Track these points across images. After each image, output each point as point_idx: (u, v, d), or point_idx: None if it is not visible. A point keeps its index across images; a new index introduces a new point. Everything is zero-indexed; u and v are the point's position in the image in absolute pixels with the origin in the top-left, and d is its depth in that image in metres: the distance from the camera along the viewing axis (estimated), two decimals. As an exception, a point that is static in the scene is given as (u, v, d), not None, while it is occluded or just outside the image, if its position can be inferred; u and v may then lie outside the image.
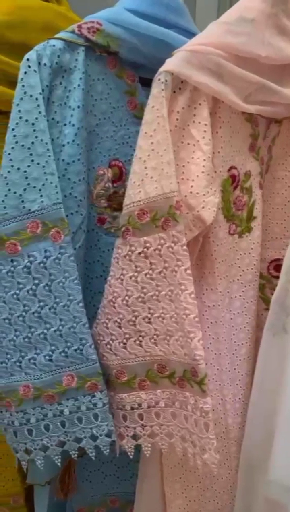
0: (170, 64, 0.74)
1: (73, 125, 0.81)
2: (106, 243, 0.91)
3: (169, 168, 0.74)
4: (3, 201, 0.78)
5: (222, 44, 0.76)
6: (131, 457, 0.84)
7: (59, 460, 0.84)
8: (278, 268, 0.94)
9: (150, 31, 0.83)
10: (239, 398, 0.92)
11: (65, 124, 0.81)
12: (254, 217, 0.89)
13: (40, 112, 0.77)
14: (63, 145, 0.82)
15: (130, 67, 0.88)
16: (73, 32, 0.81)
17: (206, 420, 0.76)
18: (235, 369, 0.91)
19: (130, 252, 0.78)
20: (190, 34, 0.88)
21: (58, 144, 0.81)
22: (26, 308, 0.79)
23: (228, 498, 0.95)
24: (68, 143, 0.82)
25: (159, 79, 0.73)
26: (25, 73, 0.77)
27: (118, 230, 0.79)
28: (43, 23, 0.93)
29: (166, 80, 0.73)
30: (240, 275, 0.89)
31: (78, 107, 0.81)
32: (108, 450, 0.82)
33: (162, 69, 0.74)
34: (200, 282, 0.85)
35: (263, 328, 0.93)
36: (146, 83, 0.89)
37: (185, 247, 0.75)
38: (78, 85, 0.81)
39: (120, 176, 0.90)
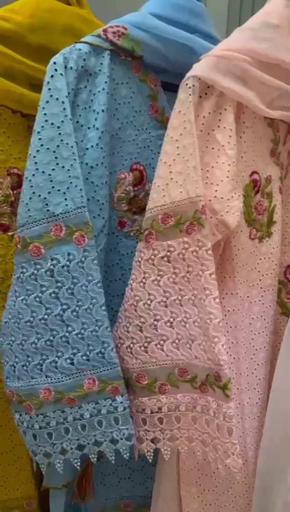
0: (198, 69, 0.74)
1: (97, 128, 0.82)
2: (126, 246, 0.92)
3: (195, 173, 0.74)
4: (27, 204, 0.78)
5: (247, 49, 0.76)
6: (150, 460, 0.84)
7: (79, 463, 0.84)
8: (294, 273, 0.95)
9: (174, 36, 0.84)
10: (256, 403, 0.92)
11: (89, 128, 0.82)
12: (274, 222, 0.89)
13: (66, 116, 0.77)
14: (87, 149, 0.82)
15: (153, 71, 0.88)
16: (99, 36, 0.81)
17: (229, 425, 0.76)
18: (253, 373, 0.91)
19: (153, 256, 0.78)
20: (212, 39, 0.89)
21: (81, 147, 0.81)
22: (48, 311, 0.79)
23: (244, 502, 0.95)
24: (91, 146, 0.82)
25: (186, 84, 0.73)
26: (52, 76, 0.77)
27: (141, 233, 0.79)
28: (65, 26, 0.93)
29: (193, 85, 0.73)
30: (260, 280, 0.89)
31: (102, 110, 0.81)
32: (128, 454, 0.82)
33: (189, 74, 0.74)
34: (220, 286, 0.85)
35: (278, 333, 0.93)
36: (168, 87, 0.89)
37: (210, 252, 0.75)
38: (103, 89, 0.81)
39: (141, 180, 0.90)
